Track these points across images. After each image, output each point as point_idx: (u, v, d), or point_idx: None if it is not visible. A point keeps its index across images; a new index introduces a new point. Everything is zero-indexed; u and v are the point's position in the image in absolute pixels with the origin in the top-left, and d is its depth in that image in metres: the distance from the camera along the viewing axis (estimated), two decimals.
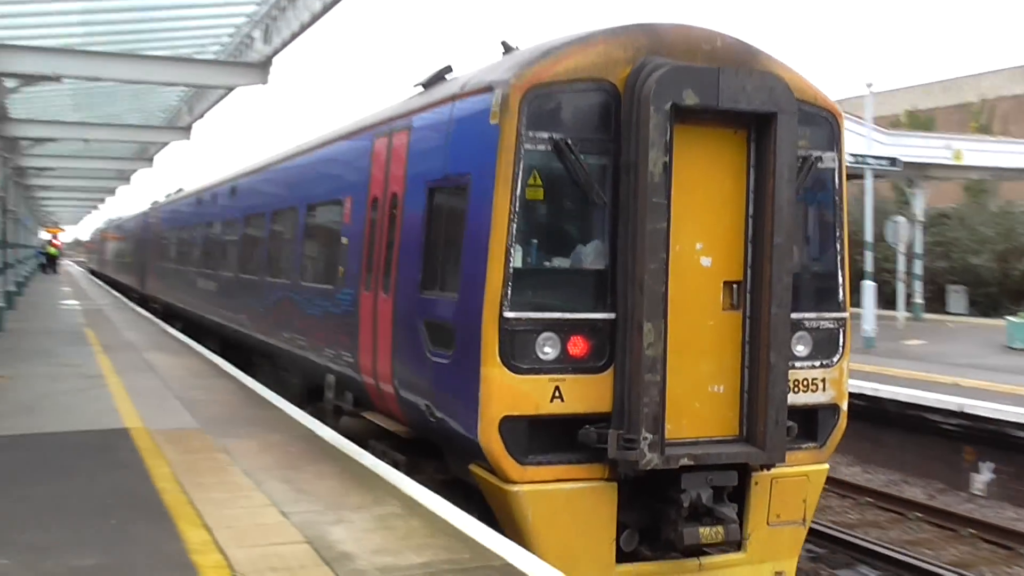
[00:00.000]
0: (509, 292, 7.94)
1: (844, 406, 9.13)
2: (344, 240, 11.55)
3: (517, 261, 8.01)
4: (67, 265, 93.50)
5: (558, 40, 8.54)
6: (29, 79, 16.07)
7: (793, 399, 8.68)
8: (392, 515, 7.57)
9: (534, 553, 7.29)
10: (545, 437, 8.06)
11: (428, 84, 10.44)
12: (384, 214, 10.30)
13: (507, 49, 9.43)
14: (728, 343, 8.34)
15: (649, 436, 7.82)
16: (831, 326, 9.04)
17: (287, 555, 6.58)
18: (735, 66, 8.30)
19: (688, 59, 8.31)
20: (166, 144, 28.51)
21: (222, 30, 17.51)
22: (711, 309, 8.29)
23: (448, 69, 10.32)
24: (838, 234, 9.09)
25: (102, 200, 58.80)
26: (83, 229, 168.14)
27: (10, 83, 17.29)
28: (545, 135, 8.08)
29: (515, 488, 8.04)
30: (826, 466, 9.18)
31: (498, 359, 7.91)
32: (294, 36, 15.03)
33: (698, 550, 8.53)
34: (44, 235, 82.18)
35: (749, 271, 8.32)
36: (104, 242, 63.44)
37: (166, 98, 24.34)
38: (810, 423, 8.99)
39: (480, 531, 7.21)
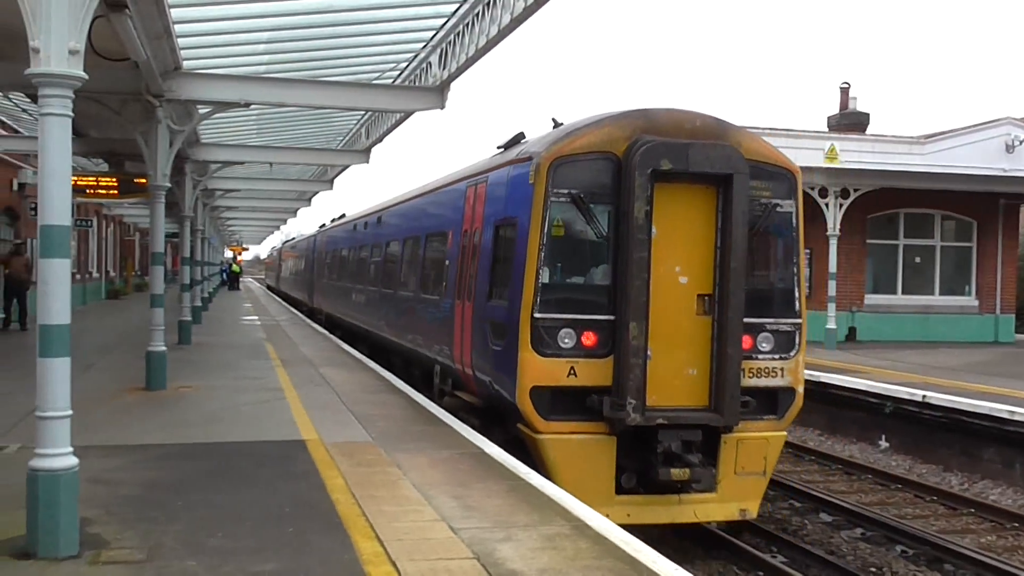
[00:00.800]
0: (538, 300, 11.08)
1: (800, 389, 11.85)
2: (447, 262, 14.91)
3: (545, 278, 11.16)
4: (247, 281, 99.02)
5: (579, 122, 11.73)
6: (220, 105, 16.73)
7: (757, 382, 11.57)
8: (559, 535, 7.64)
9: (555, 483, 10.03)
10: (564, 402, 11.06)
11: (506, 147, 13.80)
12: (470, 243, 13.51)
13: (555, 124, 12.71)
14: (701, 339, 11.23)
15: (633, 401, 10.84)
16: (788, 328, 11.78)
17: (456, 570, 6.69)
18: (710, 139, 11.25)
19: (675, 135, 11.22)
20: (346, 167, 29.39)
21: (401, 56, 18.20)
22: (687, 314, 11.23)
23: (521, 135, 13.63)
24: (795, 259, 11.88)
25: (284, 220, 60.91)
26: (264, 248, 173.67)
27: (203, 109, 18.09)
28: (565, 191, 11.19)
29: (541, 436, 11.11)
30: (783, 433, 11.92)
31: (530, 346, 11.04)
32: (470, 61, 15.27)
33: (678, 487, 11.34)
34: (228, 253, 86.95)
35: (717, 287, 11.23)
36: (280, 260, 67.56)
37: (346, 123, 25.38)
38: (771, 401, 11.69)
39: (649, 555, 7.22)
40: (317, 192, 37.64)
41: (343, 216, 34.85)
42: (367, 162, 25.63)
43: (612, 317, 11.10)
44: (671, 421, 11.01)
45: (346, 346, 24.08)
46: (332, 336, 27.51)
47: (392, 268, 20.67)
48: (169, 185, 16.39)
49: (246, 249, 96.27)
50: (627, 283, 10.87)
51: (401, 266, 19.66)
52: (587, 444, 11.13)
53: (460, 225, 14.32)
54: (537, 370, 11.03)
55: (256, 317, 36.21)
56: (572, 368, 11.06)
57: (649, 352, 11.06)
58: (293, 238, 66.89)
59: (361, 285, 24.79)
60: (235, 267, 74.82)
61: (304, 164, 29.61)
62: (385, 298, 20.88)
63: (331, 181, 34.20)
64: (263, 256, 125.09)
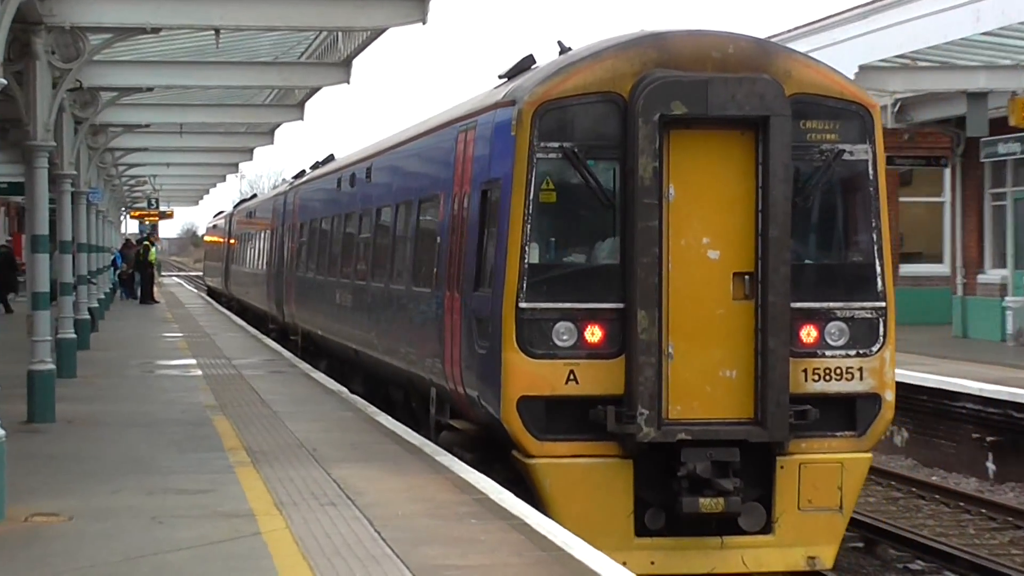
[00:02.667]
0: (524, 286, 9.49)
1: (889, 397, 9.96)
2: (437, 240, 12.23)
3: (533, 257, 9.57)
4: (171, 286, 60.28)
5: (574, 55, 10.16)
6: (122, 33, 13.85)
7: (826, 387, 9.76)
8: None
9: (555, 520, 8.52)
10: (563, 417, 9.48)
11: (509, 76, 11.45)
12: (459, 213, 11.33)
13: (562, 49, 10.85)
14: (740, 331, 9.51)
15: (645, 412, 9.16)
16: (868, 315, 9.88)
17: None
18: (745, 70, 9.53)
19: (697, 68, 9.54)
20: (316, 89, 23.32)
21: None
22: (720, 299, 9.52)
23: (530, 60, 11.29)
24: (874, 224, 9.97)
25: (235, 168, 41.72)
26: (202, 212, 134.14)
27: (97, 39, 14.40)
28: (556, 144, 9.54)
29: (533, 461, 9.48)
30: (867, 455, 10.05)
31: (516, 345, 9.40)
32: None
33: (718, 527, 9.64)
34: (129, 227, 58.10)
35: (759, 263, 9.49)
36: (231, 237, 40.98)
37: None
38: (848, 412, 9.85)
39: None
40: (280, 124, 27.80)
41: (329, 160, 23.77)
42: (347, 81, 18.65)
43: (623, 305, 9.54)
44: (697, 437, 9.38)
45: (382, 416, 13.39)
46: (349, 395, 15.35)
47: (380, 250, 15.46)
48: (54, 144, 13.56)
49: (169, 216, 60.48)
50: (633, 260, 9.38)
51: (387, 247, 15.07)
52: (594, 470, 9.57)
53: (450, 187, 12.00)
54: (526, 376, 9.51)
55: (191, 358, 20.56)
56: (572, 372, 9.49)
57: (670, 349, 9.52)
58: (250, 197, 43.88)
59: (346, 279, 17.46)
60: (151, 252, 41.14)
61: (257, 87, 22.28)
62: (371, 298, 15.62)
63: (300, 106, 24.79)
64: (204, 231, 74.62)
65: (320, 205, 21.25)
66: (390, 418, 13.17)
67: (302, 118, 24.55)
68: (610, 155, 9.59)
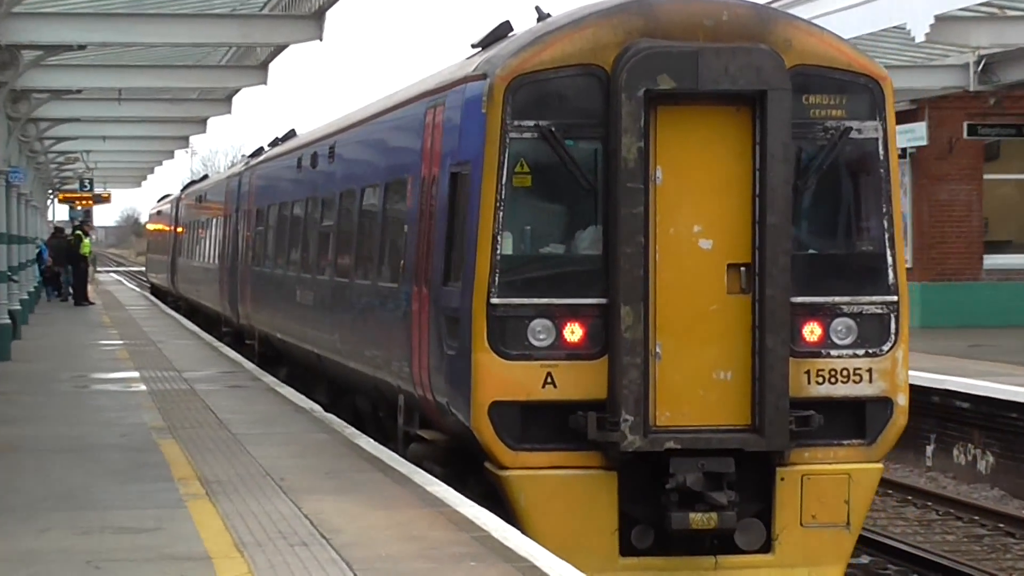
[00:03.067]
0: (496, 279, 9.57)
1: (902, 401, 10.01)
2: (405, 229, 12.46)
3: (506, 248, 9.63)
4: (108, 284, 58.10)
5: (551, 23, 10.08)
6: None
7: (831, 390, 9.88)
8: None
9: (532, 538, 8.59)
10: (540, 424, 9.79)
11: (483, 45, 11.42)
12: (427, 199, 11.45)
13: (540, 16, 10.83)
14: (736, 328, 9.62)
15: (630, 418, 9.29)
16: (878, 311, 10.01)
17: None
18: (741, 39, 9.55)
19: (687, 37, 9.54)
20: (280, 48, 21.58)
21: None
22: (713, 293, 9.63)
23: (507, 27, 11.24)
24: (885, 210, 10.02)
25: (184, 141, 41.21)
26: (144, 196, 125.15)
27: None
28: (531, 123, 9.59)
29: (507, 473, 9.71)
30: (878, 466, 10.12)
31: (487, 345, 9.69)
32: None
33: (711, 545, 9.73)
34: (58, 213, 55.80)
35: (757, 253, 9.53)
36: (178, 223, 39.30)
37: None
38: (856, 418, 10.00)
39: None
40: (238, 89, 26.96)
41: (290, 136, 22.64)
42: (319, 37, 18.56)
43: (606, 301, 9.57)
44: (687, 445, 9.45)
45: (367, 442, 12.64)
46: (323, 414, 14.78)
47: (343, 241, 15.41)
48: None
49: (105, 199, 56.03)
50: (615, 250, 9.34)
51: (350, 237, 14.98)
52: (575, 483, 9.70)
53: (419, 170, 12.01)
54: (498, 379, 9.65)
55: (133, 370, 19.67)
56: (549, 375, 9.64)
57: (658, 349, 9.56)
58: (202, 179, 41.31)
59: (307, 274, 17.13)
60: (84, 243, 38.41)
61: (211, 45, 21.27)
62: (334, 295, 15.44)
63: (263, 67, 23.88)
64: (147, 218, 72.53)
65: (278, 189, 20.44)
66: (372, 441, 12.41)
67: (265, 82, 23.41)
68: (591, 134, 9.66)
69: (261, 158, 23.95)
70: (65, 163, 43.21)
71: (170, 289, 40.78)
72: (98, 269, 57.01)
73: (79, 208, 52.33)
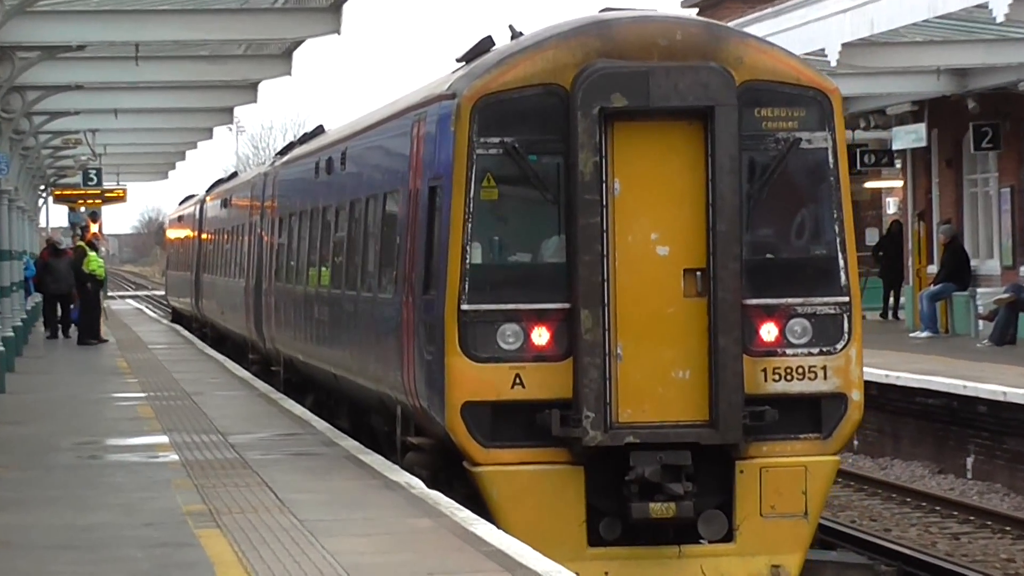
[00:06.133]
0: (467, 287, 10.25)
1: (856, 396, 10.61)
2: (396, 240, 12.90)
3: (476, 257, 10.32)
4: (122, 308, 48.98)
5: (517, 43, 10.88)
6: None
7: (788, 387, 10.48)
8: None
9: (505, 531, 9.11)
10: (510, 422, 10.43)
11: (467, 59, 12.00)
12: (413, 211, 12.03)
13: (514, 34, 11.54)
14: (692, 330, 10.30)
15: (591, 415, 9.95)
16: (831, 311, 10.60)
17: None
18: (694, 57, 10.25)
19: (642, 57, 10.27)
20: (300, 40, 19.49)
21: None
22: (671, 297, 10.33)
23: (489, 42, 11.83)
24: (836, 215, 10.65)
25: (208, 132, 33.56)
26: (166, 194, 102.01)
27: None
28: (497, 140, 10.31)
29: (479, 469, 10.34)
30: (834, 458, 10.72)
31: (459, 349, 10.38)
32: None
33: (675, 535, 10.33)
34: (56, 219, 44.60)
35: (711, 258, 10.17)
36: (203, 227, 33.36)
37: None
38: (812, 413, 10.59)
39: None
40: (259, 80, 23.17)
41: (318, 133, 20.48)
42: (337, 31, 17.09)
43: (570, 305, 10.27)
44: (646, 440, 10.17)
45: (486, 530, 9.34)
46: (423, 490, 11.05)
47: (352, 252, 15.02)
48: None
49: (120, 197, 42.48)
50: (575, 258, 10.08)
51: (357, 248, 14.69)
52: (543, 478, 10.41)
53: (407, 182, 12.56)
54: (469, 380, 10.39)
55: (161, 433, 15.06)
56: (518, 376, 10.38)
57: (619, 350, 10.27)
58: (230, 176, 34.73)
59: (323, 288, 16.51)
60: (92, 261, 29.26)
61: (220, 39, 19.18)
62: (345, 310, 15.12)
63: (287, 55, 21.08)
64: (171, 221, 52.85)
65: (298, 194, 18.78)
66: (493, 528, 9.39)
67: (289, 73, 20.82)
68: (553, 149, 10.41)
69: (286, 158, 21.48)
70: (63, 147, 32.51)
71: (195, 314, 34.21)
72: (108, 294, 43.25)
73: (82, 209, 40.40)
